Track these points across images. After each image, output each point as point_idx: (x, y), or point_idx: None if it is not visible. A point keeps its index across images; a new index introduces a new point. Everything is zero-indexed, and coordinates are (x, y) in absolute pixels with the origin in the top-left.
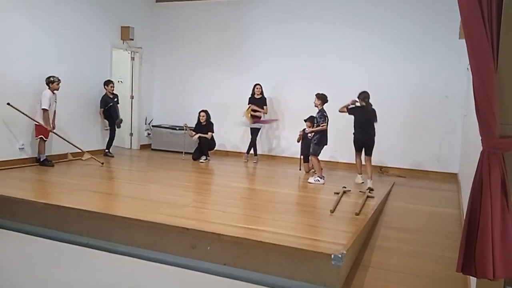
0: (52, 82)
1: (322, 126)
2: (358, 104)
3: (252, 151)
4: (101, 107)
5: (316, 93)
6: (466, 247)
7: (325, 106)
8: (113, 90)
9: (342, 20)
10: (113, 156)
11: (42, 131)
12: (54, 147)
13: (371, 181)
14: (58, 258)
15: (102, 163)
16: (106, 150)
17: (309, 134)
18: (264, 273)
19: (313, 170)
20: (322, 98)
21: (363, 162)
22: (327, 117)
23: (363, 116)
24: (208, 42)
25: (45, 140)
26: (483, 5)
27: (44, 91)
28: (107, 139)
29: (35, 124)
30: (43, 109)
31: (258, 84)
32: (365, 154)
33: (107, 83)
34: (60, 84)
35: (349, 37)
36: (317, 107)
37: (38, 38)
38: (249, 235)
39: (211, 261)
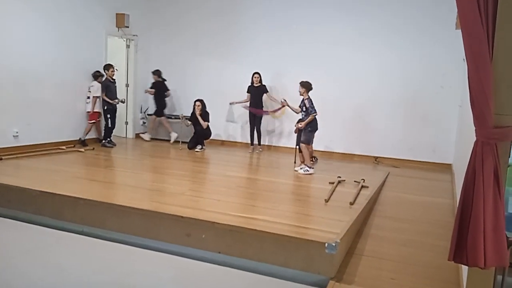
0: (100, 76)
1: (312, 115)
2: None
3: (256, 141)
4: (102, 91)
5: (300, 81)
6: (458, 236)
7: (323, 94)
8: (113, 74)
9: (340, 7)
10: (115, 145)
11: (95, 117)
12: (48, 136)
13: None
14: (53, 246)
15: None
16: (108, 139)
17: (301, 127)
18: (258, 261)
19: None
20: (306, 86)
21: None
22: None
23: None
24: (204, 30)
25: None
26: None
27: (92, 82)
28: (109, 128)
29: (87, 111)
30: (94, 96)
31: (257, 73)
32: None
33: (107, 67)
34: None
35: (347, 24)
36: (302, 95)
37: (33, 24)
38: (244, 224)
39: (205, 249)
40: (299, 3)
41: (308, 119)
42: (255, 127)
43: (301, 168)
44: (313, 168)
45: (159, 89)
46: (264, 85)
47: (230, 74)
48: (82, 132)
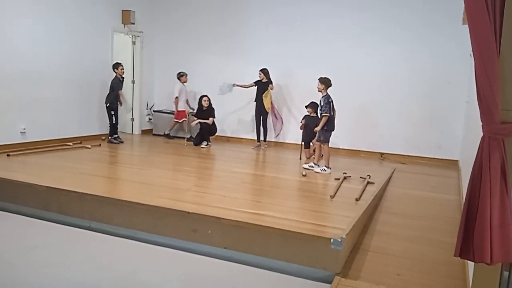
0: (181, 76)
1: (324, 116)
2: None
3: (262, 137)
4: (116, 89)
5: (319, 77)
6: (464, 232)
7: (329, 90)
8: (123, 72)
9: (345, 2)
10: (122, 142)
11: (179, 116)
12: (55, 132)
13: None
14: (60, 241)
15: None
16: (115, 135)
17: (317, 129)
18: (264, 257)
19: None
20: (325, 83)
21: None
22: (332, 102)
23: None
24: (208, 26)
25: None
26: None
27: (176, 84)
28: (114, 125)
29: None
30: (176, 97)
31: (264, 69)
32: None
33: (116, 65)
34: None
35: (352, 20)
36: (321, 92)
37: (39, 22)
38: (250, 219)
39: (212, 244)
40: None
41: (322, 122)
42: (262, 123)
43: (318, 167)
44: (330, 168)
45: None
46: (271, 81)
47: (235, 70)
48: (89, 128)
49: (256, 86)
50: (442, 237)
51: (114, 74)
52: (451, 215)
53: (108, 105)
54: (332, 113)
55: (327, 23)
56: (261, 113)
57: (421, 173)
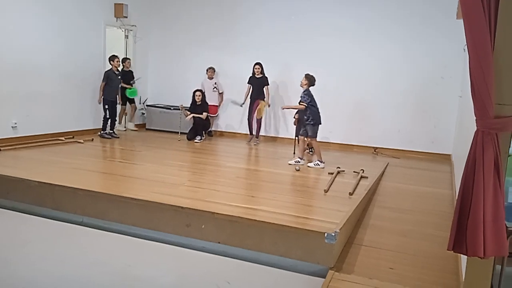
0: (206, 71)
1: (301, 104)
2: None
3: (254, 132)
4: (103, 81)
5: (305, 74)
6: (457, 226)
7: (322, 85)
8: (119, 65)
9: None
10: (117, 137)
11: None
12: (47, 127)
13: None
14: (54, 237)
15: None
16: (111, 131)
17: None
18: (258, 251)
19: (308, 151)
20: (309, 79)
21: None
22: (313, 98)
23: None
24: (203, 20)
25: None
26: None
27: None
28: (107, 119)
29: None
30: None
31: (258, 63)
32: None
33: (112, 58)
34: (214, 72)
35: (347, 15)
36: (302, 87)
37: (31, 16)
38: (244, 214)
39: (205, 239)
40: None
41: (293, 106)
42: (256, 118)
43: (313, 162)
44: (323, 162)
45: None
46: (266, 77)
47: (229, 64)
48: (83, 122)
49: (251, 85)
50: (435, 231)
51: (110, 66)
52: (444, 209)
53: (103, 97)
54: (315, 106)
55: (322, 19)
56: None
57: (414, 167)
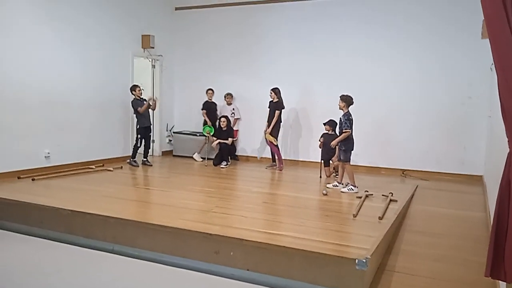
0: (224, 97)
1: (345, 132)
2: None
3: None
4: (140, 107)
5: (340, 95)
6: (494, 250)
7: (351, 107)
8: (141, 94)
9: (362, 18)
10: (151, 165)
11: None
12: (78, 155)
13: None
14: (85, 264)
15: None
16: (144, 159)
17: (333, 143)
18: (288, 278)
19: (335, 174)
20: (346, 100)
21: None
22: (352, 120)
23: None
24: (226, 48)
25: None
26: (507, 4)
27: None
28: (137, 147)
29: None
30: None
31: (272, 89)
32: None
33: (134, 87)
34: (231, 98)
35: (368, 36)
36: (342, 109)
37: (61, 49)
38: (272, 240)
39: (234, 266)
40: (319, 16)
41: (340, 137)
42: (269, 144)
43: (346, 187)
44: (357, 187)
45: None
46: (281, 102)
47: (252, 91)
48: (112, 150)
49: (269, 108)
50: (471, 256)
51: (133, 96)
52: (478, 233)
53: (137, 127)
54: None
55: (343, 40)
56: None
57: (445, 189)
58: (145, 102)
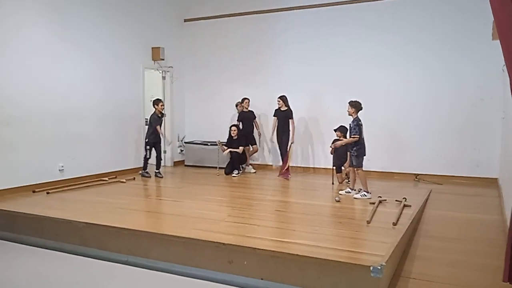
0: (242, 103)
1: (353, 137)
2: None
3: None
4: (154, 125)
5: (349, 101)
6: None
7: (363, 112)
8: (163, 108)
9: (371, 24)
10: (162, 177)
11: None
12: (91, 168)
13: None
14: (99, 276)
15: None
16: (156, 171)
17: (337, 144)
18: (302, 287)
19: (347, 181)
20: (355, 106)
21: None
22: (362, 125)
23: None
24: (235, 57)
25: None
26: None
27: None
28: (147, 159)
29: None
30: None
31: (280, 97)
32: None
33: (157, 102)
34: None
35: (377, 41)
36: (351, 115)
37: (73, 63)
38: (286, 249)
39: (248, 275)
40: (327, 27)
41: (346, 140)
42: (281, 151)
43: (359, 194)
44: (370, 193)
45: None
46: (291, 110)
47: (262, 100)
48: (124, 162)
49: (276, 117)
50: (487, 260)
51: (154, 110)
52: (494, 236)
53: (146, 140)
54: (362, 137)
55: (354, 46)
56: (282, 140)
57: (459, 193)
58: (163, 119)
